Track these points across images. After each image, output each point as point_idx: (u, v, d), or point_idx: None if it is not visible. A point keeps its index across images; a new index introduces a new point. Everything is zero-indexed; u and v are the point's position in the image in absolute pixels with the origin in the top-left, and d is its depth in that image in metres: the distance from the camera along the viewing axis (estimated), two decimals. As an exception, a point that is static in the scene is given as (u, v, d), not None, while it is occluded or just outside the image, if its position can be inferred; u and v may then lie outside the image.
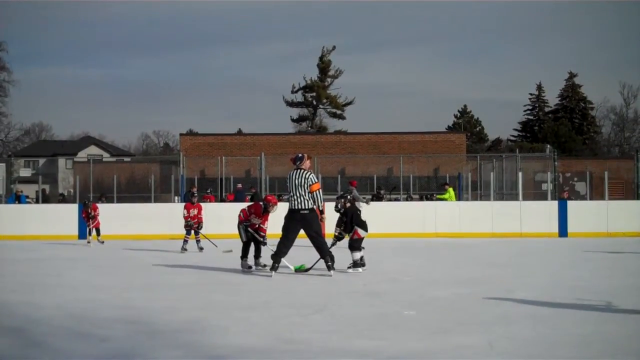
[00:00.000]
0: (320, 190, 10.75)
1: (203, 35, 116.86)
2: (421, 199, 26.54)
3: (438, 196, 23.15)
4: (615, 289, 9.36)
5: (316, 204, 10.64)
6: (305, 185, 10.59)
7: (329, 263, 10.69)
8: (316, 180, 10.75)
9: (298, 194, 10.62)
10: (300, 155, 10.98)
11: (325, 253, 10.71)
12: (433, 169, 31.96)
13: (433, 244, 17.29)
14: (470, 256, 14.63)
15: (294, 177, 10.74)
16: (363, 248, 11.64)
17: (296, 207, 10.64)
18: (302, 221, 10.65)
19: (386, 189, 25.87)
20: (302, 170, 10.75)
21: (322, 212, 10.96)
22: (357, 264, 11.22)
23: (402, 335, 6.42)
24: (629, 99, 64.49)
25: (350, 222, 11.45)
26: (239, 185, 23.33)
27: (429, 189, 29.55)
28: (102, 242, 17.56)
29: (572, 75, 66.48)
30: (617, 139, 64.19)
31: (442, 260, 13.82)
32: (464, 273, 11.31)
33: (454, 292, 9.11)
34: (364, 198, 19.50)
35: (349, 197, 11.98)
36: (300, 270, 11.05)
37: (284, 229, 10.85)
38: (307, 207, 10.59)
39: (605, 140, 64.80)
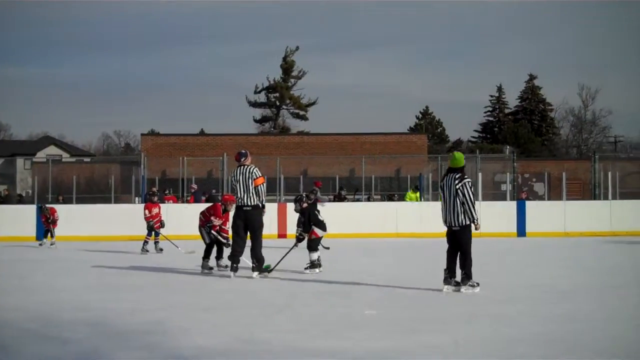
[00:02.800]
0: (265, 185, 10.75)
1: (166, 35, 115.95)
2: (383, 199, 26.74)
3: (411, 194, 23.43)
4: (574, 288, 9.55)
5: (260, 197, 10.65)
6: (250, 180, 10.60)
7: (255, 265, 10.64)
8: (260, 175, 10.74)
9: (243, 190, 10.62)
10: (243, 151, 11.00)
11: (257, 253, 10.67)
12: (395, 170, 32.16)
13: (395, 244, 17.40)
14: (432, 256, 14.75)
15: (238, 174, 10.75)
16: (328, 248, 11.69)
17: (240, 204, 10.68)
18: (245, 218, 10.65)
19: (348, 190, 25.97)
20: (246, 166, 10.76)
21: (263, 206, 10.89)
22: (315, 264, 11.26)
23: (364, 334, 6.46)
24: (587, 101, 65.60)
25: (308, 222, 11.49)
26: (194, 186, 23.09)
27: (390, 189, 29.76)
28: (53, 245, 17.18)
29: (531, 77, 67.36)
30: (576, 140, 65.22)
31: (404, 260, 13.93)
32: (425, 272, 11.40)
33: (416, 291, 9.20)
34: (328, 199, 19.57)
35: (304, 197, 12.00)
36: (266, 270, 11.02)
37: (232, 227, 10.87)
38: (250, 204, 10.60)
39: (563, 142, 65.78)
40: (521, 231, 19.61)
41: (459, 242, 9.05)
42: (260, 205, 10.69)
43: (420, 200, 23.78)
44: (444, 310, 7.75)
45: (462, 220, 8.98)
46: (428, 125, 65.61)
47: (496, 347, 5.95)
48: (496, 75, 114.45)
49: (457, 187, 8.97)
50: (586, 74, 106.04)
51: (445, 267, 9.14)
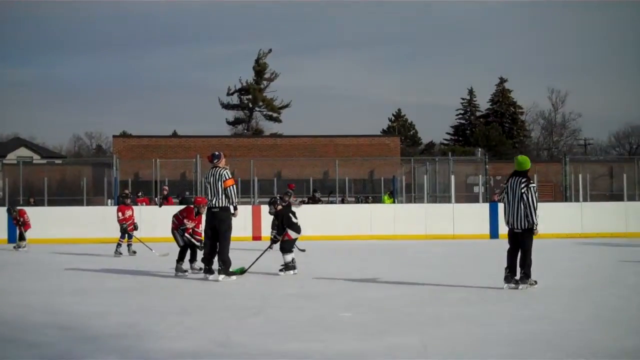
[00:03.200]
0: (234, 186, 10.75)
1: (137, 35, 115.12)
2: (357, 201, 26.80)
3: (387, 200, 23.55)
4: (545, 289, 9.63)
5: (230, 199, 10.65)
6: (220, 182, 10.60)
7: (221, 267, 10.61)
8: (230, 176, 10.73)
9: (214, 192, 10.64)
10: (217, 153, 11.03)
11: (223, 255, 10.64)
12: (368, 172, 32.26)
13: (368, 246, 17.44)
14: (405, 258, 14.84)
15: (209, 175, 10.79)
16: (304, 250, 11.70)
17: (209, 206, 10.73)
18: (214, 219, 10.66)
19: (322, 192, 25.98)
20: (218, 168, 10.76)
21: (235, 208, 10.89)
22: (289, 266, 11.26)
23: (338, 336, 6.47)
24: (557, 104, 66.42)
25: (282, 224, 11.49)
26: (166, 187, 22.87)
27: (364, 191, 29.84)
28: (24, 247, 16.95)
29: (502, 81, 68.04)
30: (546, 142, 65.96)
31: (377, 262, 13.96)
32: (398, 275, 11.45)
33: (389, 293, 9.24)
34: (301, 200, 19.56)
35: (278, 199, 11.99)
36: (239, 272, 10.99)
37: (204, 230, 10.89)
38: (218, 205, 10.61)
39: (534, 144, 66.48)
40: (494, 233, 19.73)
41: (521, 243, 9.47)
42: (232, 207, 10.68)
43: (394, 202, 23.86)
44: (418, 312, 7.78)
45: (525, 224, 9.37)
46: (401, 128, 65.94)
47: (466, 349, 5.99)
48: (467, 78, 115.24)
49: (522, 191, 9.32)
50: (555, 78, 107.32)
51: (506, 266, 9.57)
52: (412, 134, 68.34)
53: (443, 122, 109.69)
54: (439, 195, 25.75)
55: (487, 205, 20.55)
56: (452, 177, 22.07)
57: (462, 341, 6.26)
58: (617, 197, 24.72)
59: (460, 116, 70.59)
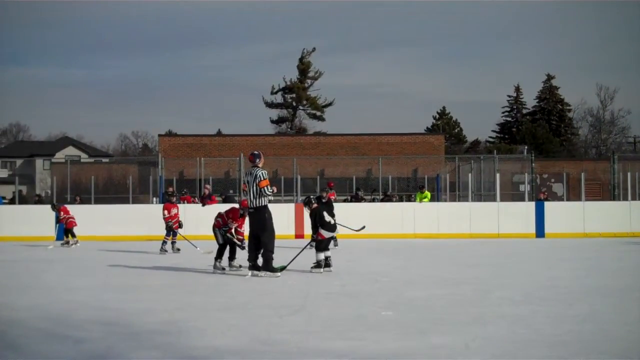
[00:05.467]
0: (269, 187, 10.79)
1: (183, 36, 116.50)
2: (401, 199, 26.67)
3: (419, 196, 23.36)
4: (591, 289, 9.45)
5: (265, 199, 10.75)
6: (255, 183, 10.67)
7: (252, 263, 10.80)
8: (265, 177, 10.79)
9: (250, 193, 10.78)
10: (257, 152, 11.13)
11: (265, 253, 10.73)
12: (412, 170, 32.08)
13: (411, 245, 17.34)
14: (448, 257, 14.70)
15: (247, 175, 10.92)
16: (336, 246, 11.75)
17: (249, 206, 10.85)
18: (252, 219, 10.83)
19: (365, 190, 25.94)
20: (256, 168, 10.85)
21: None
22: (320, 264, 11.27)
23: (379, 335, 6.43)
24: (606, 101, 65.13)
25: (315, 222, 11.51)
26: (207, 186, 22.95)
27: (407, 190, 29.69)
28: (70, 244, 17.28)
29: (549, 77, 66.98)
30: (594, 140, 64.76)
31: (420, 261, 13.88)
32: (441, 274, 11.36)
33: (432, 292, 9.15)
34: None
35: (313, 199, 12.04)
36: (280, 269, 11.02)
37: (249, 229, 11.04)
38: (254, 206, 10.74)
39: (582, 142, 65.31)
40: (540, 232, 19.48)
41: None
42: (266, 200, 10.79)
43: (430, 200, 23.62)
44: (461, 312, 7.69)
45: None
46: (445, 126, 65.40)
47: (509, 349, 5.90)
48: (514, 75, 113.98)
49: None
50: (604, 74, 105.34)
51: None
52: (457, 132, 67.68)
53: (489, 120, 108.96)
54: (484, 194, 25.48)
55: (532, 204, 20.25)
56: (497, 176, 21.82)
57: (505, 342, 6.16)
58: (667, 195, 24.16)
59: (506, 113, 69.70)
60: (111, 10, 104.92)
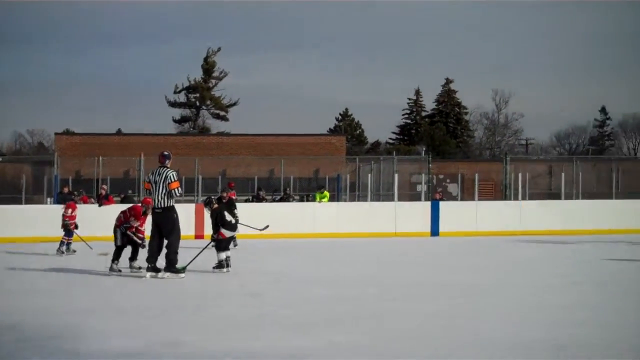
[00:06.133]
0: (179, 189, 10.78)
1: (85, 31, 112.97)
2: (301, 199, 26.89)
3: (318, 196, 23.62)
4: (482, 285, 9.87)
5: (172, 201, 10.73)
6: (165, 183, 10.62)
7: (166, 265, 10.66)
8: (176, 179, 10.77)
9: (157, 193, 10.69)
10: (167, 153, 11.11)
11: (169, 254, 10.68)
12: (313, 171, 32.40)
13: (311, 244, 17.52)
14: (347, 256, 14.97)
15: (155, 175, 10.82)
16: (235, 246, 11.79)
17: (154, 206, 10.80)
18: (158, 220, 10.74)
19: (267, 190, 26.01)
20: (165, 169, 10.81)
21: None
22: (222, 264, 11.31)
23: (278, 334, 6.53)
24: (500, 105, 67.50)
25: (216, 222, 11.55)
26: (104, 187, 22.03)
27: (309, 190, 29.96)
28: None
29: (448, 81, 68.95)
30: (489, 142, 67.04)
31: (320, 260, 14.07)
32: (341, 272, 11.58)
33: (331, 291, 9.34)
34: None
35: (213, 199, 12.07)
36: (183, 269, 10.96)
37: (151, 229, 10.94)
38: (161, 206, 10.67)
39: (477, 144, 67.53)
40: (435, 231, 20.04)
41: None
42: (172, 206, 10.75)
43: (329, 199, 23.92)
44: (360, 310, 7.88)
45: None
46: (347, 127, 66.29)
47: (407, 344, 6.13)
48: (415, 78, 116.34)
49: None
50: (499, 79, 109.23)
51: None
52: (358, 134, 68.74)
53: (389, 122, 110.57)
54: (383, 194, 26.01)
55: (428, 204, 20.82)
56: (396, 176, 22.30)
57: (395, 337, 6.39)
58: (555, 195, 25.38)
59: (406, 116, 71.32)
60: (8, 3, 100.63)
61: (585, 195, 24.56)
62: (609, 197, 23.53)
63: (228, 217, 11.59)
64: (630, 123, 71.25)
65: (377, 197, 25.78)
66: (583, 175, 24.93)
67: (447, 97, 68.23)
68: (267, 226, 13.31)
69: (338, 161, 32.69)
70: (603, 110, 72.77)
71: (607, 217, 20.56)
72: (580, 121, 72.56)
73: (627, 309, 7.93)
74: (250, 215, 16.09)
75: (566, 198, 22.54)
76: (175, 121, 61.43)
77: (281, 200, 23.70)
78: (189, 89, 60.38)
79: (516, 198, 22.63)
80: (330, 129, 67.33)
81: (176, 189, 10.69)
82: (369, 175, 25.06)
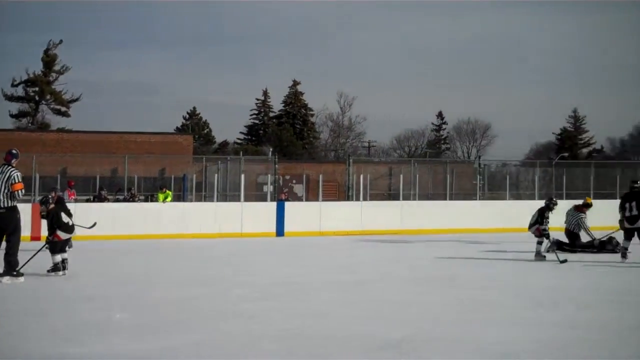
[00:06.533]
0: (22, 191, 10.36)
1: None
2: (147, 200, 26.39)
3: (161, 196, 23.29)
4: (323, 285, 10.18)
5: (15, 201, 10.30)
6: (7, 183, 10.18)
7: (6, 269, 10.20)
8: (20, 180, 10.32)
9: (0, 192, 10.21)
10: (15, 152, 10.65)
11: (10, 256, 10.21)
12: (159, 170, 31.88)
13: (155, 245, 17.25)
14: (192, 256, 14.90)
15: None
16: (70, 247, 11.47)
17: None
18: (0, 220, 10.26)
19: (110, 190, 25.30)
20: (9, 167, 10.35)
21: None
22: (57, 267, 10.94)
23: (112, 339, 6.42)
24: (345, 108, 69.32)
25: (51, 223, 11.15)
26: None
27: (154, 189, 29.44)
28: None
29: (295, 83, 70.00)
30: (333, 144, 68.67)
31: (163, 261, 13.91)
32: (183, 273, 11.53)
33: (171, 293, 9.28)
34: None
35: (50, 198, 11.63)
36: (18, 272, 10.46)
37: None
38: (4, 206, 10.20)
39: (323, 146, 69.00)
40: (280, 231, 20.33)
41: None
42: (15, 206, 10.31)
43: (173, 199, 23.68)
44: (197, 312, 7.91)
45: None
46: (195, 126, 65.73)
47: (243, 344, 6.24)
48: (263, 79, 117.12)
49: None
50: (344, 82, 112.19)
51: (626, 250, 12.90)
52: (206, 133, 68.38)
53: (238, 122, 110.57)
54: (229, 194, 26.06)
55: (274, 204, 21.10)
56: (242, 176, 22.40)
57: (239, 337, 6.49)
58: (395, 196, 26.50)
59: (254, 116, 71.76)
60: None
61: (422, 196, 25.77)
62: (443, 198, 24.85)
63: (65, 218, 11.21)
64: (464, 128, 75.72)
65: (224, 197, 25.79)
66: (420, 177, 26.15)
67: (295, 98, 69.27)
68: (95, 224, 12.83)
69: (185, 161, 32.36)
70: (440, 115, 76.72)
71: (442, 217, 21.76)
72: (419, 125, 76.03)
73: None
74: (90, 215, 15.67)
75: (404, 199, 23.57)
76: (12, 116, 58.22)
77: (125, 200, 23.14)
78: (28, 83, 57.44)
79: (358, 198, 23.40)
80: (177, 127, 66.50)
81: (19, 191, 10.24)
82: (216, 175, 25.01)
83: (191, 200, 25.65)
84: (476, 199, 24.38)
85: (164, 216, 19.90)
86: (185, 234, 19.39)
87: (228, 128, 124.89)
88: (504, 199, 25.21)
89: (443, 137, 76.78)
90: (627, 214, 12.97)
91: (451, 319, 7.39)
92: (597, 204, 16.81)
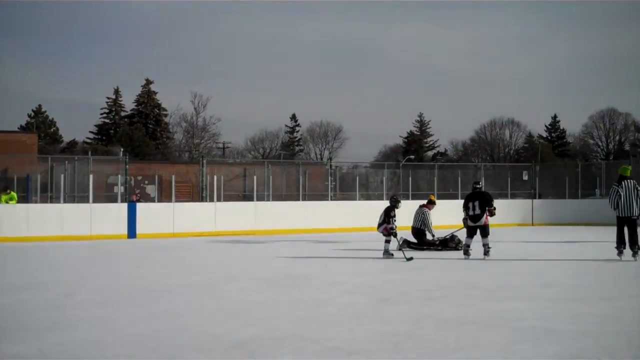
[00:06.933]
0: None
1: None
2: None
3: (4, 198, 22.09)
4: (178, 286, 10.06)
5: None
6: None
7: None
8: None
9: None
10: None
11: None
12: (1, 170, 30.22)
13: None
14: (38, 261, 14.29)
15: None
16: None
17: None
18: None
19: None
20: None
21: None
22: None
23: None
24: (199, 108, 68.56)
25: None
26: None
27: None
28: None
29: (148, 82, 68.54)
30: (188, 145, 67.80)
31: (4, 266, 13.27)
32: (28, 278, 11.04)
33: (14, 298, 8.88)
34: None
35: None
36: None
37: None
38: None
39: (176, 146, 67.95)
40: (132, 233, 19.86)
41: (633, 224, 12.66)
42: None
43: (17, 201, 22.56)
44: (39, 318, 7.58)
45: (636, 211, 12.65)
46: (41, 125, 62.87)
47: (85, 351, 6.06)
48: (114, 77, 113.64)
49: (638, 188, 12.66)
50: (197, 83, 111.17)
51: (618, 242, 12.80)
52: (52, 132, 65.58)
53: (87, 121, 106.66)
54: (77, 195, 25.14)
55: (125, 206, 20.58)
56: (91, 177, 21.68)
57: (81, 344, 6.29)
58: (248, 197, 26.58)
59: (105, 115, 69.63)
60: None
61: (275, 196, 26.03)
62: (297, 199, 25.20)
63: None
64: (317, 131, 77.22)
65: (72, 198, 24.85)
66: (274, 178, 26.38)
67: (147, 98, 67.82)
68: None
69: (29, 160, 30.86)
70: (293, 117, 77.73)
71: (295, 218, 22.11)
72: (274, 127, 76.75)
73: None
74: None
75: (258, 199, 23.70)
76: None
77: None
78: None
79: (212, 199, 23.29)
80: (21, 125, 63.29)
81: None
82: (62, 175, 24.04)
83: (36, 202, 24.48)
84: (328, 200, 24.94)
85: (6, 219, 18.93)
86: (28, 237, 18.57)
87: (77, 127, 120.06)
88: (354, 199, 26.00)
89: (297, 139, 77.87)
90: (471, 213, 13.75)
91: (299, 318, 7.52)
92: (440, 203, 17.69)
